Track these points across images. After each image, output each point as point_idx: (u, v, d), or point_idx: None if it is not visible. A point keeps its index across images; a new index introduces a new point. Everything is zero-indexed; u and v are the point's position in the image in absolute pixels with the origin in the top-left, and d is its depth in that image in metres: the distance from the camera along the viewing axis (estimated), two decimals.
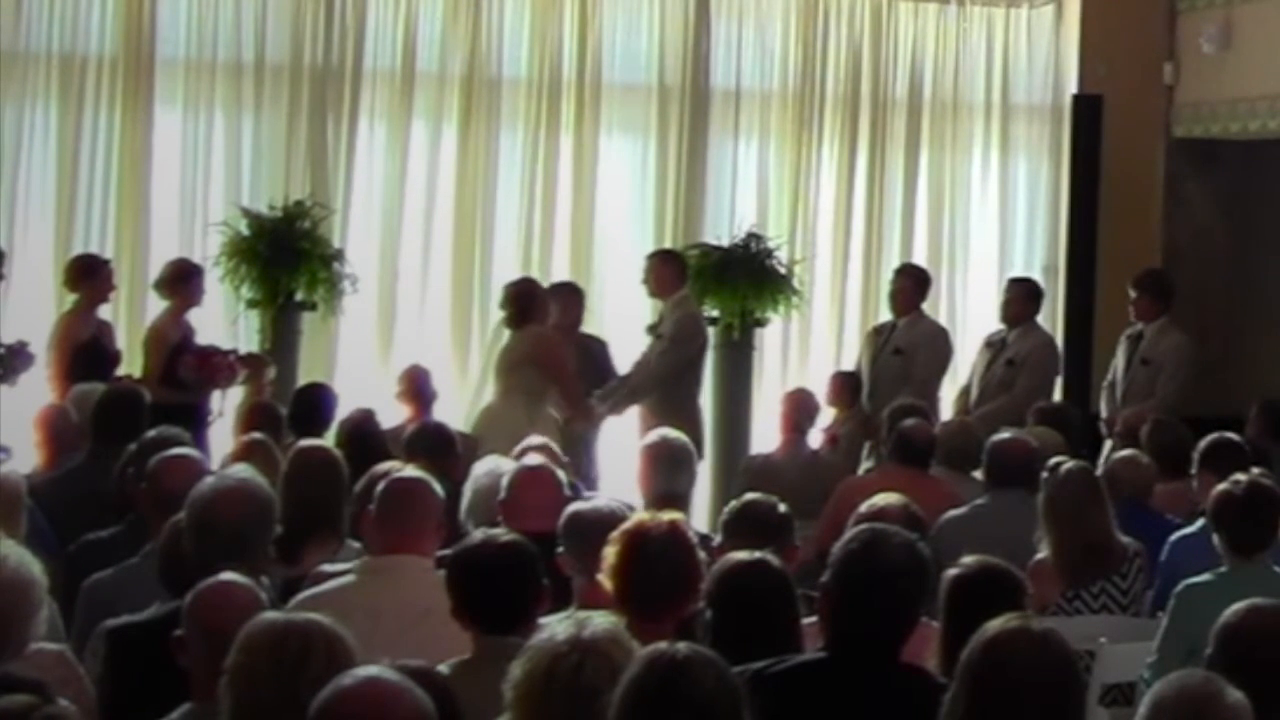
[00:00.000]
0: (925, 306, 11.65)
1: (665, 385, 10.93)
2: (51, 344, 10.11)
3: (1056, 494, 7.03)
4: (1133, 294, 11.29)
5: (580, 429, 10.48)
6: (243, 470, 5.77)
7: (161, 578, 5.43)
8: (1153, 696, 3.83)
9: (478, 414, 10.48)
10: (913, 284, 11.58)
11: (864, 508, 6.17)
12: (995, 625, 3.96)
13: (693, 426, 10.11)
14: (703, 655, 3.73)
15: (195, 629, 4.40)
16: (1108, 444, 10.67)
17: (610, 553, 5.13)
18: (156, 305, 10.71)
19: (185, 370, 10.10)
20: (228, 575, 4.56)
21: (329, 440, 8.10)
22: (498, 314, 10.87)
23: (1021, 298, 11.41)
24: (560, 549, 5.69)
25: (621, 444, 10.52)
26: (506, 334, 10.57)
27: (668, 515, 5.27)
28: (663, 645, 3.73)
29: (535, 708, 3.91)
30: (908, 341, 11.35)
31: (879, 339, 11.53)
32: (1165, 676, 3.98)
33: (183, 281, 10.46)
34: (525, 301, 10.43)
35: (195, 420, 9.65)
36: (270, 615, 4.05)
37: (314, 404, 9.17)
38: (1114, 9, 13.06)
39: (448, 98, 12.27)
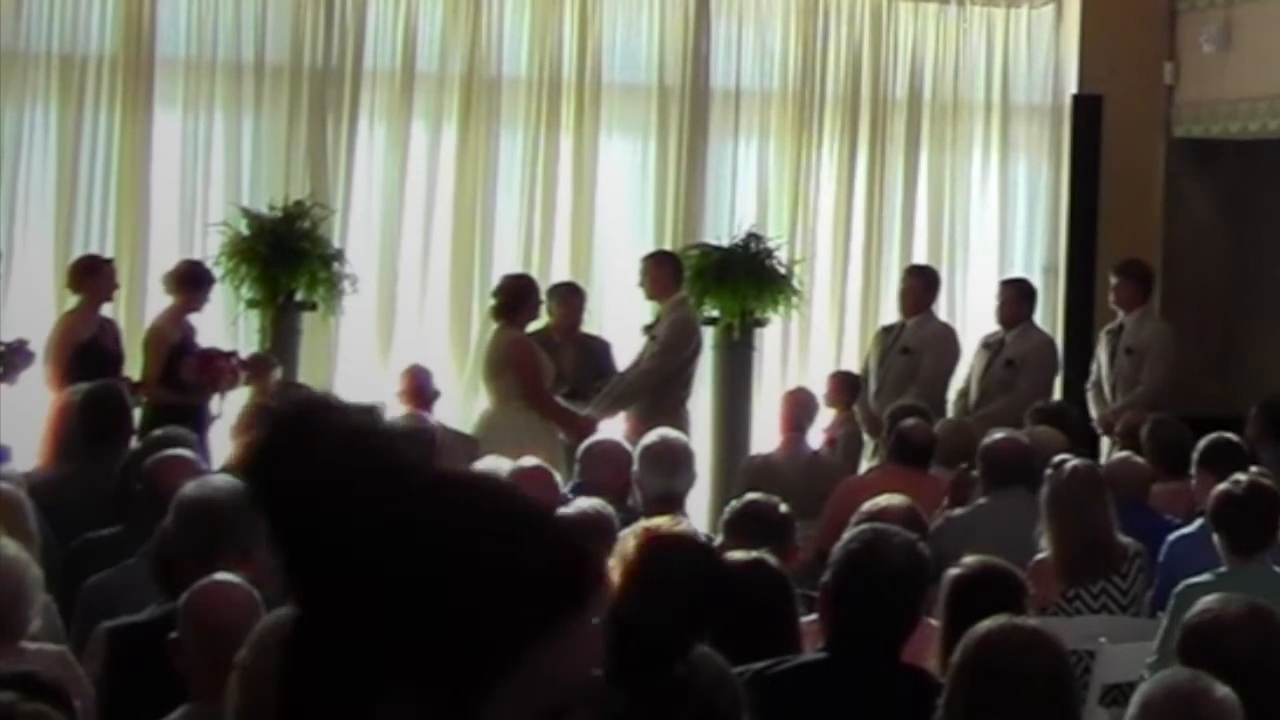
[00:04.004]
0: None
1: (655, 388, 10.90)
2: (52, 344, 10.10)
3: (1060, 491, 7.03)
4: (1114, 280, 11.31)
5: (572, 442, 10.38)
6: (220, 475, 5.86)
7: (156, 579, 5.44)
8: (1141, 696, 3.84)
9: (478, 419, 10.47)
10: (922, 284, 11.60)
11: (866, 507, 6.17)
12: (985, 625, 3.97)
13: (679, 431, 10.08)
14: (701, 651, 3.73)
15: (191, 630, 4.39)
16: (1104, 443, 10.67)
17: (628, 546, 5.15)
18: (156, 305, 10.71)
19: (188, 372, 10.09)
20: (222, 575, 4.56)
21: None
22: None
23: (1015, 298, 11.44)
24: None
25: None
26: (493, 328, 10.59)
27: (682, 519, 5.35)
28: None
29: None
30: (916, 341, 11.36)
31: (888, 338, 11.55)
32: (1154, 676, 3.99)
33: (191, 285, 10.45)
34: (514, 298, 10.43)
35: (196, 421, 9.64)
36: (284, 614, 4.04)
37: None
38: (1114, 9, 13.06)
39: (448, 98, 12.26)
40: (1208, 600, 4.47)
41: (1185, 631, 4.38)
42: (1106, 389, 11.21)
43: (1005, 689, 3.87)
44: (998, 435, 8.29)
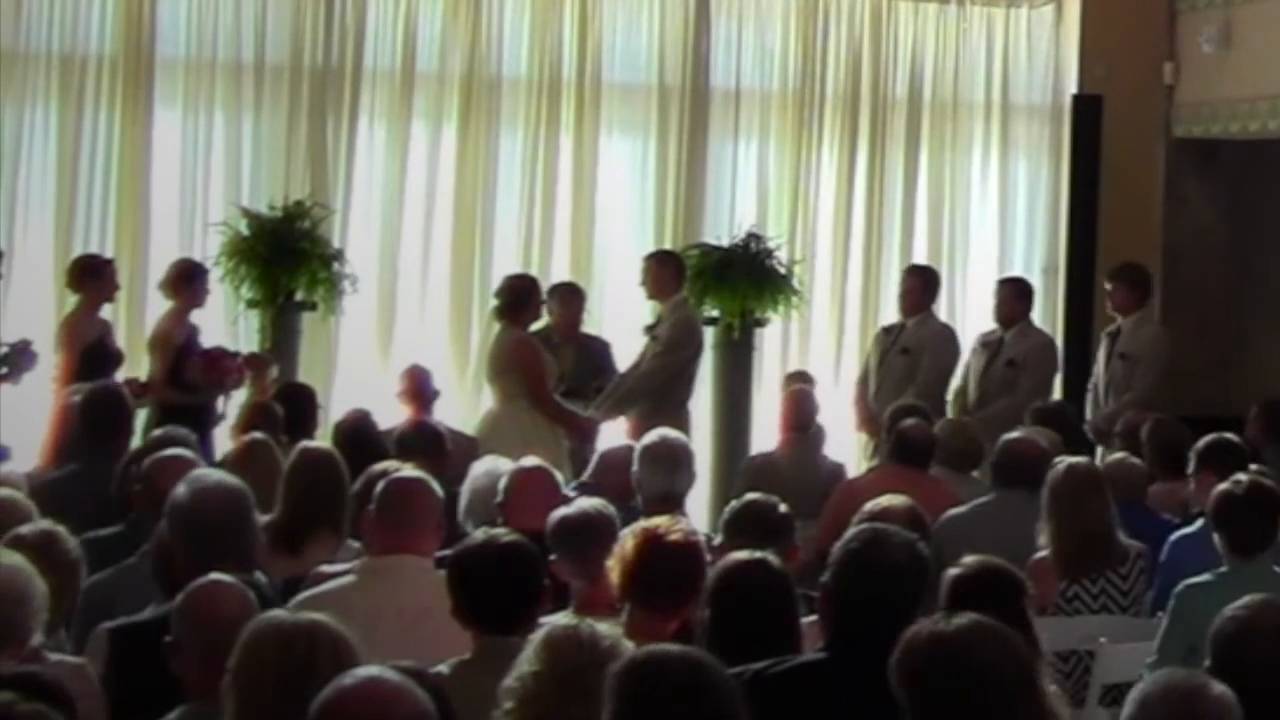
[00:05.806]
0: None
1: (657, 389, 10.89)
2: (60, 345, 10.10)
3: (1057, 486, 7.07)
4: (1108, 286, 11.31)
5: (574, 443, 10.38)
6: (212, 472, 5.84)
7: (156, 579, 5.45)
8: (1138, 693, 3.84)
9: (481, 419, 10.48)
10: (921, 284, 11.59)
11: (868, 507, 6.17)
12: (925, 628, 3.98)
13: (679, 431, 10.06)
14: (694, 654, 3.74)
15: (188, 628, 4.39)
16: (1100, 449, 10.64)
17: (627, 546, 5.16)
18: (156, 305, 10.71)
19: (194, 372, 10.09)
20: (217, 575, 4.56)
21: (318, 440, 8.10)
22: None
23: (1011, 297, 11.42)
24: (553, 557, 5.67)
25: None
26: (496, 328, 10.59)
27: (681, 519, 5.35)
28: (650, 646, 3.75)
29: (536, 709, 3.92)
30: (915, 341, 11.35)
31: (887, 338, 11.54)
32: (1151, 675, 3.99)
33: (187, 282, 10.44)
34: (516, 298, 10.44)
35: (201, 421, 9.64)
36: (275, 615, 4.04)
37: (300, 403, 9.11)
38: (1114, 9, 13.06)
39: (448, 98, 12.27)
40: (1240, 604, 4.45)
41: (1216, 637, 4.37)
42: (1100, 392, 11.21)
43: (958, 689, 3.89)
44: (1017, 434, 8.33)
